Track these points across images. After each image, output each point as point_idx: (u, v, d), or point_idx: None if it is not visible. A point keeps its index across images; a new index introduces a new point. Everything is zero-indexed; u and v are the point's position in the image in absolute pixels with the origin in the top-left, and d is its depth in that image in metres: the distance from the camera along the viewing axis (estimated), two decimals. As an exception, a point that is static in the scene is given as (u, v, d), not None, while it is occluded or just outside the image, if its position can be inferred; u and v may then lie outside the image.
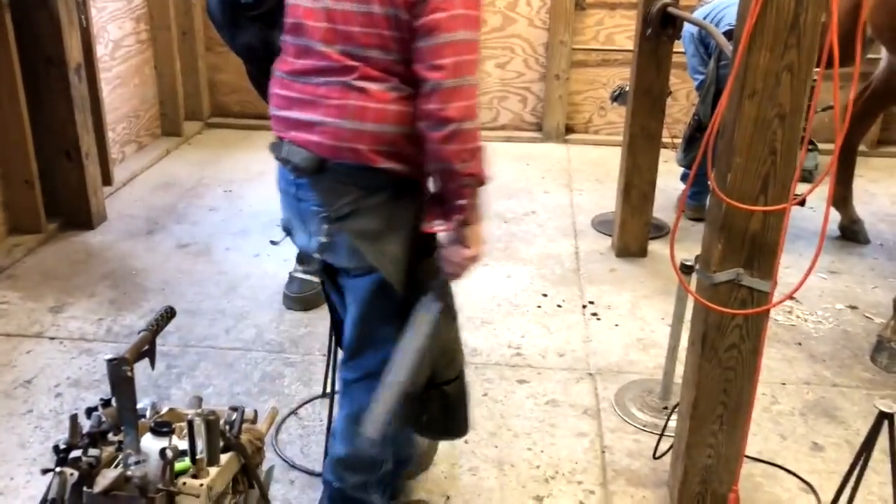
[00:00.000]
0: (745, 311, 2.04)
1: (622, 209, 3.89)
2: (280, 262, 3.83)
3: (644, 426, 2.70)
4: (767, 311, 2.05)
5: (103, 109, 4.54)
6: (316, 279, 3.45)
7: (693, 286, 2.17)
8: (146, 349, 1.54)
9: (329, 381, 2.53)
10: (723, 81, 3.96)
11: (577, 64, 5.64)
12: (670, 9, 3.42)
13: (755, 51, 1.84)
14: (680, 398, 2.32)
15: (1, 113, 3.73)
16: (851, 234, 4.23)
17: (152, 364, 1.60)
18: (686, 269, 2.59)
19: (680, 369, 2.71)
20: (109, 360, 1.46)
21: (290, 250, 3.82)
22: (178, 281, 3.67)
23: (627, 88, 3.94)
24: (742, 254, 2.01)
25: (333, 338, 2.52)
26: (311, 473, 2.47)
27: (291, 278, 3.48)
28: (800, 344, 3.23)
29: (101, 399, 1.65)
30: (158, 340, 3.16)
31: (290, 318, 3.37)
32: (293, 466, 2.51)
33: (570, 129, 5.79)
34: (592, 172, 5.19)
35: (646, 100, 3.68)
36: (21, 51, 3.69)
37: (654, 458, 2.50)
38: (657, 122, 3.73)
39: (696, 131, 4.18)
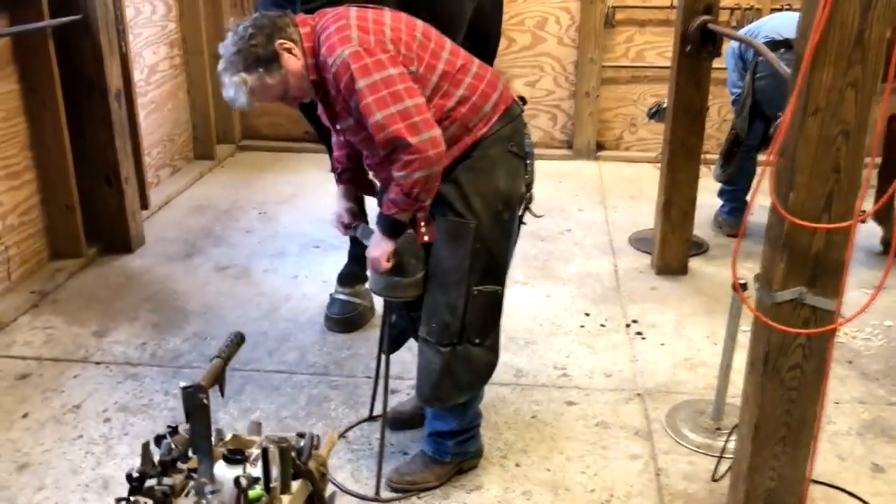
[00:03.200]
0: (811, 330, 2.00)
1: (662, 227, 3.86)
2: (319, 283, 3.84)
3: (698, 448, 2.66)
4: (833, 330, 2.02)
5: (140, 134, 4.58)
6: (357, 300, 3.45)
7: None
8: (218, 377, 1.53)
9: (382, 403, 2.51)
10: (759, 93, 3.95)
11: (606, 81, 5.64)
12: (710, 25, 3.40)
13: (818, 67, 1.82)
14: (739, 419, 2.28)
15: (44, 139, 3.77)
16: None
17: (222, 392, 1.59)
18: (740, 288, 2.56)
19: (732, 389, 2.68)
20: (185, 388, 1.46)
21: (328, 271, 3.85)
22: (219, 304, 3.68)
23: (665, 105, 3.93)
24: (805, 272, 1.98)
25: (384, 358, 2.51)
26: (362, 498, 2.45)
27: (332, 300, 3.47)
28: (850, 362, 3.18)
29: (169, 427, 1.64)
30: (204, 364, 3.18)
31: (333, 340, 3.36)
32: (345, 492, 2.49)
33: (600, 146, 5.78)
34: (626, 189, 5.17)
35: (685, 116, 3.66)
36: (63, 77, 3.74)
37: (714, 480, 2.46)
38: (697, 138, 3.71)
39: (732, 146, 4.16)
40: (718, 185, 4.43)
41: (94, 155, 4.00)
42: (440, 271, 2.26)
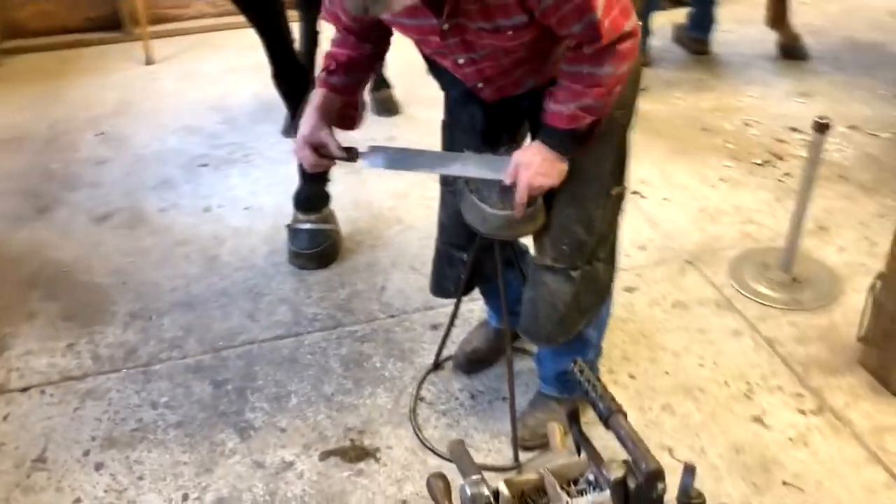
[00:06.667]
0: None
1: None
2: (241, 211, 3.12)
3: (787, 305, 2.51)
4: None
5: None
6: (327, 226, 2.82)
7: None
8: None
9: (507, 360, 2.04)
10: None
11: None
12: None
13: None
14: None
15: None
16: (792, 52, 4.20)
17: None
18: (821, 128, 2.35)
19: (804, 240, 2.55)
20: None
21: (241, 194, 3.18)
22: (134, 267, 2.84)
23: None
24: None
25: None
26: (501, 470, 2.01)
27: (295, 232, 2.80)
28: (843, 177, 3.16)
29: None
30: (175, 353, 2.45)
31: (316, 281, 2.73)
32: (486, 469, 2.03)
33: None
34: None
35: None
36: None
37: (858, 340, 2.29)
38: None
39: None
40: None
41: None
42: (578, 181, 1.78)
